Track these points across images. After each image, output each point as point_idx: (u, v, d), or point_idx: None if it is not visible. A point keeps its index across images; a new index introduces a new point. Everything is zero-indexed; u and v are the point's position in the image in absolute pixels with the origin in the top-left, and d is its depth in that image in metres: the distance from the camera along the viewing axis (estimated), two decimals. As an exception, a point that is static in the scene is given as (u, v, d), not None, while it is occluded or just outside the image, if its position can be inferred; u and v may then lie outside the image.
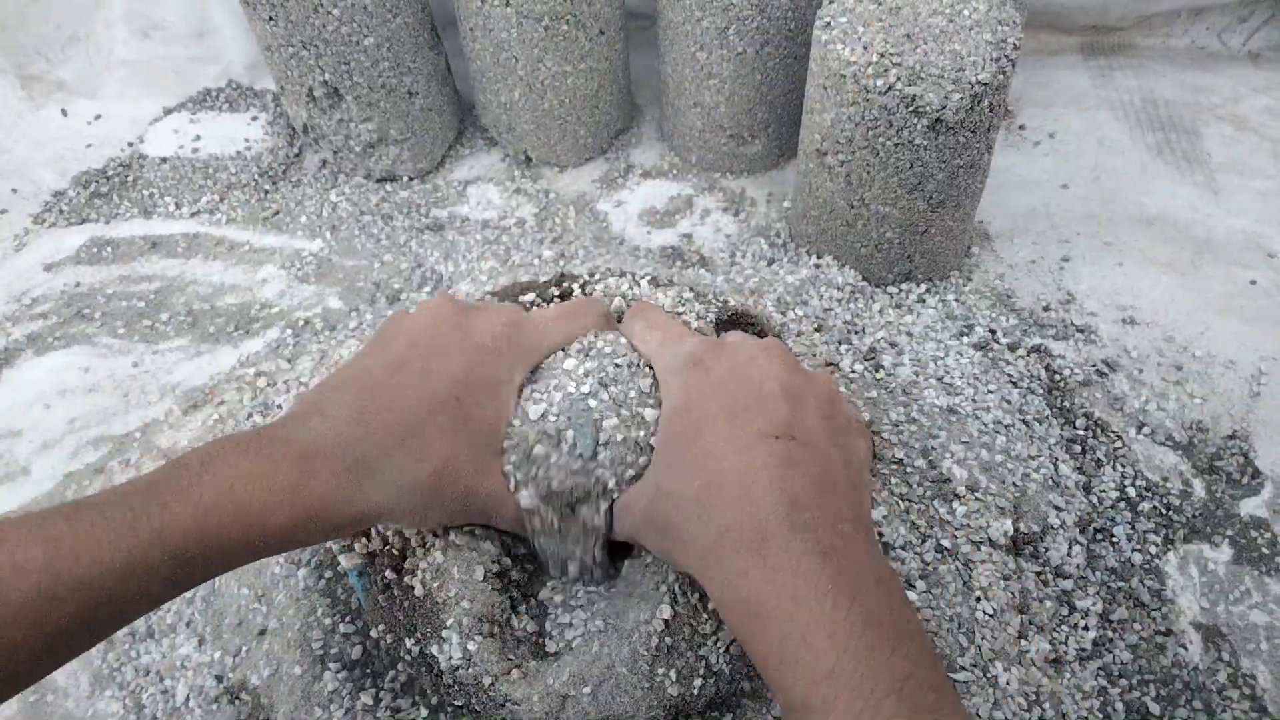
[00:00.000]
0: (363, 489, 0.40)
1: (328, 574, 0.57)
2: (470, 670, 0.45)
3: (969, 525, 0.59)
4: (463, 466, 0.42)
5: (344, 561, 0.49)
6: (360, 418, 0.41)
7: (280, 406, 0.69)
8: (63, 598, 0.32)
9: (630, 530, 0.44)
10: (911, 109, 0.64)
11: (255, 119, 0.98)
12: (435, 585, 0.46)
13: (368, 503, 0.40)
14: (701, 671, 0.44)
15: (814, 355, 0.64)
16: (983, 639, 0.55)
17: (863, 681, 0.32)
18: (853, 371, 0.67)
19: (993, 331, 0.74)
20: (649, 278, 0.57)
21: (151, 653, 0.58)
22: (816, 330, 0.71)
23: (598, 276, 0.57)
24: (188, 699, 0.55)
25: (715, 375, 0.42)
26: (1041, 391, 0.69)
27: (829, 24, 0.68)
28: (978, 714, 0.52)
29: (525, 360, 0.46)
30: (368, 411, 0.41)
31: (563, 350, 0.48)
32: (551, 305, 0.54)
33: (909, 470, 0.61)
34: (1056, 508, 0.62)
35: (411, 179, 0.93)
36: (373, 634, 0.50)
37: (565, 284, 0.57)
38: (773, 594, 0.35)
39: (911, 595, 0.54)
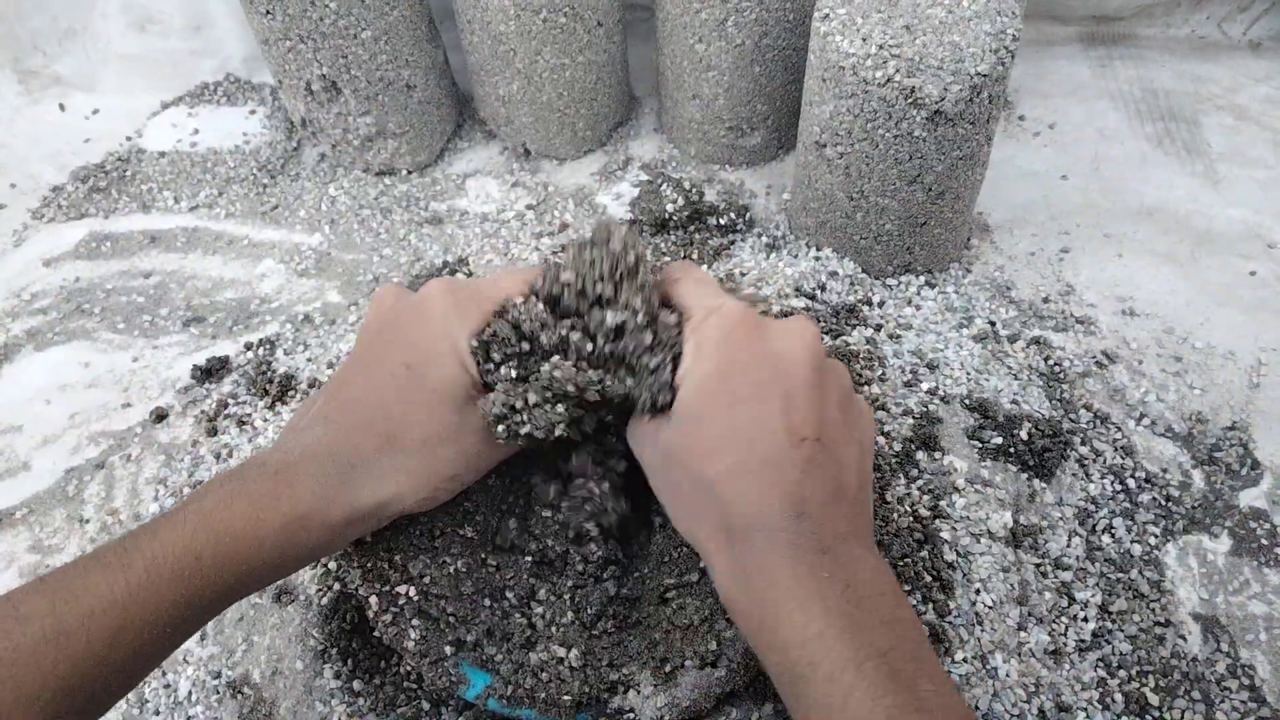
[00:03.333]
0: (349, 486, 0.41)
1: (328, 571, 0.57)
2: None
3: (968, 518, 0.59)
4: (437, 428, 0.43)
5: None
6: (329, 421, 0.43)
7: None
8: (70, 633, 0.34)
9: (646, 459, 0.44)
10: (910, 101, 0.63)
11: (253, 113, 0.98)
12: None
13: (359, 498, 0.41)
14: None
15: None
16: (982, 631, 0.55)
17: (846, 646, 0.34)
18: (859, 348, 0.67)
19: (992, 323, 0.74)
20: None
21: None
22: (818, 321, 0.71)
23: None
24: (190, 694, 0.56)
25: (753, 351, 0.42)
26: (1041, 383, 0.69)
27: (828, 15, 0.67)
28: (977, 705, 0.52)
29: (470, 313, 0.45)
30: (335, 414, 0.43)
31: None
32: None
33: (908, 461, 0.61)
34: (1056, 500, 0.62)
35: (410, 172, 0.93)
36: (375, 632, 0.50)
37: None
38: (771, 579, 0.37)
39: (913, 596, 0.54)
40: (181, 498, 0.65)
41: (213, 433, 0.70)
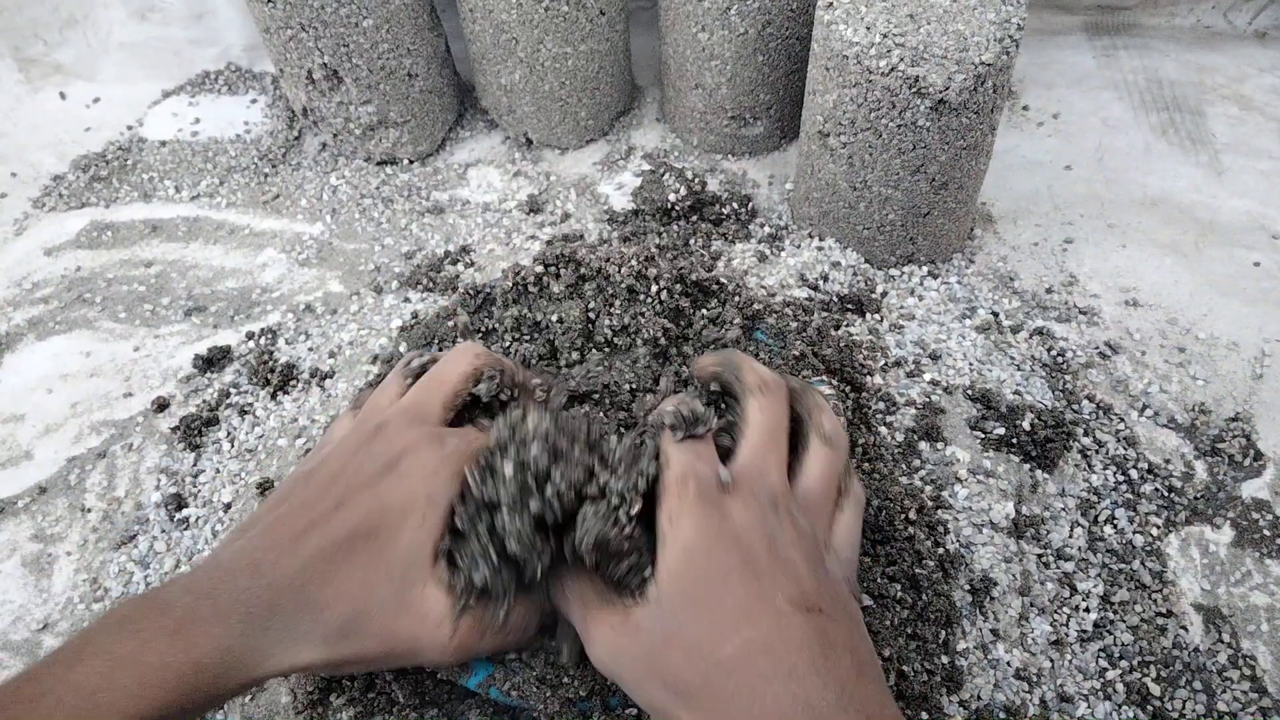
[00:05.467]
0: (259, 648, 0.36)
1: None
2: None
3: (971, 508, 0.59)
4: (377, 608, 0.38)
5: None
6: (256, 568, 0.37)
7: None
8: None
9: (616, 667, 0.38)
10: (914, 90, 0.63)
11: (254, 102, 0.98)
12: None
13: (268, 662, 0.36)
14: None
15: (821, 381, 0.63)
16: (984, 621, 0.55)
17: None
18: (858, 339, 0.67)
19: (995, 314, 0.73)
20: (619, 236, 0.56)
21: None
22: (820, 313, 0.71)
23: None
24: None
25: (734, 523, 0.37)
26: (1044, 374, 0.69)
27: (831, 4, 0.67)
28: (979, 695, 0.52)
29: (454, 470, 0.40)
30: (266, 560, 0.38)
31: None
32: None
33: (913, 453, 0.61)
34: (1058, 491, 0.62)
35: (412, 162, 0.93)
36: None
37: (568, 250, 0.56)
38: None
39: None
40: (182, 488, 0.66)
41: (197, 438, 0.70)
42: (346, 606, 0.37)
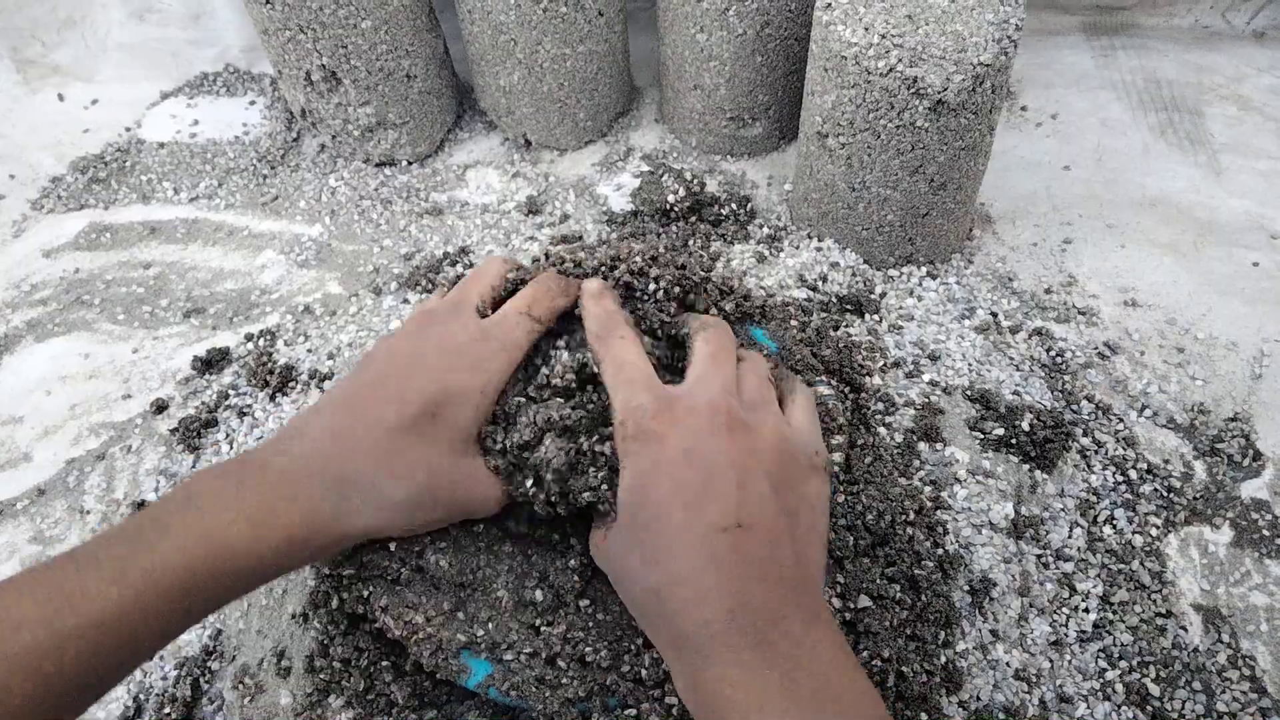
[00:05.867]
0: (344, 511, 0.41)
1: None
2: None
3: (970, 509, 0.59)
4: (444, 478, 0.43)
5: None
6: (338, 438, 0.42)
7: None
8: (62, 647, 0.34)
9: (609, 573, 0.44)
10: (913, 91, 0.63)
11: (253, 103, 0.98)
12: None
13: (350, 524, 0.41)
14: None
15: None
16: (984, 621, 0.55)
17: None
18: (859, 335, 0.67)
19: (994, 314, 0.73)
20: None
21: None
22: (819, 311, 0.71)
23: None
24: (192, 686, 0.56)
25: (667, 452, 0.41)
26: (1043, 374, 0.69)
27: (830, 5, 0.67)
28: (978, 696, 0.52)
29: (504, 360, 0.45)
30: (346, 432, 0.42)
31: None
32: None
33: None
34: (1057, 491, 0.62)
35: (410, 163, 0.93)
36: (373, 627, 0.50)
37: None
38: (714, 685, 0.37)
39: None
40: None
41: (196, 440, 0.70)
42: (420, 476, 0.42)
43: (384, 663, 0.50)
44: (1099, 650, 0.55)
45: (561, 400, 0.45)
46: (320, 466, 0.41)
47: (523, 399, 0.46)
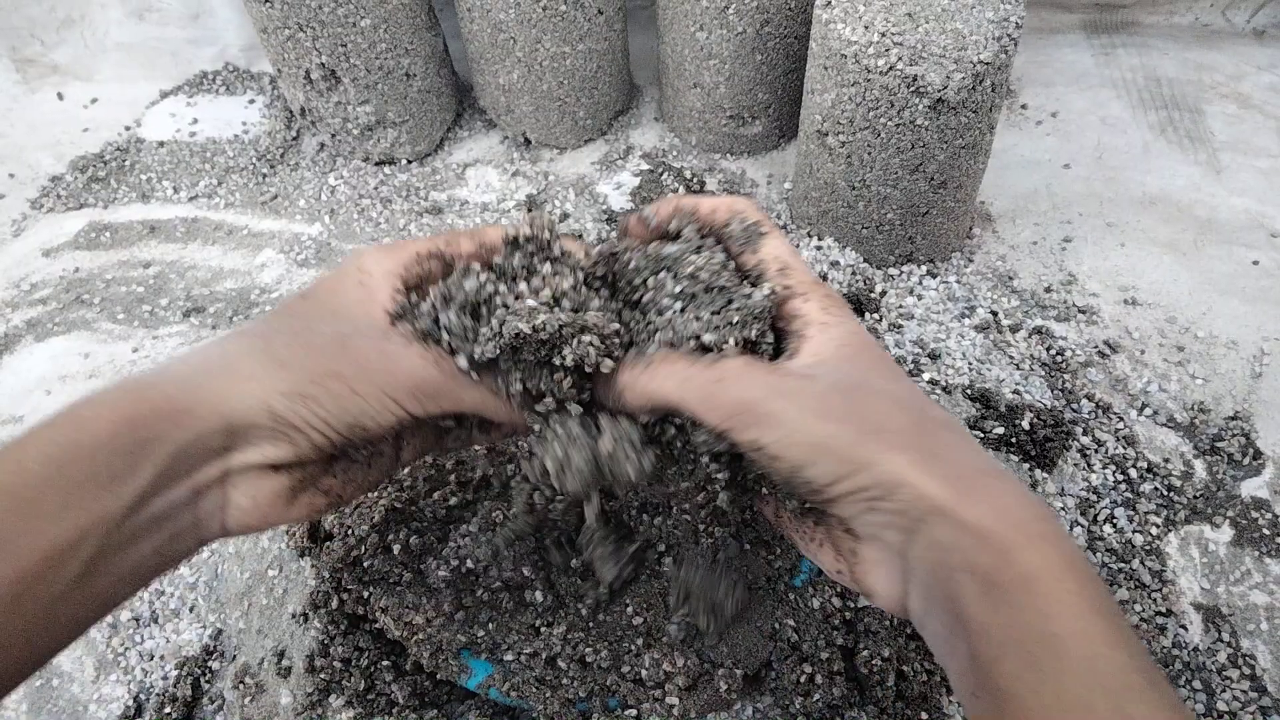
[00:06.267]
0: (217, 386, 0.36)
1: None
2: None
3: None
4: (374, 359, 0.38)
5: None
6: (219, 342, 0.38)
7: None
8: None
9: (775, 404, 0.37)
10: (913, 89, 0.63)
11: (252, 102, 0.97)
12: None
13: (231, 399, 0.36)
14: None
15: None
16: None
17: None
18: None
19: (994, 313, 0.73)
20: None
21: (155, 638, 0.58)
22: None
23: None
24: (193, 686, 0.56)
25: (866, 336, 0.41)
26: (1043, 373, 0.69)
27: (830, 3, 0.67)
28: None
29: (389, 254, 0.41)
30: (229, 338, 0.38)
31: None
32: None
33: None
34: (1058, 490, 0.62)
35: (410, 162, 0.93)
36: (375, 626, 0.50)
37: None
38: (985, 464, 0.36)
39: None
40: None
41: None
42: (325, 334, 0.38)
43: (384, 663, 0.51)
44: (1099, 649, 0.55)
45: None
46: (184, 365, 0.37)
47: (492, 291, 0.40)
